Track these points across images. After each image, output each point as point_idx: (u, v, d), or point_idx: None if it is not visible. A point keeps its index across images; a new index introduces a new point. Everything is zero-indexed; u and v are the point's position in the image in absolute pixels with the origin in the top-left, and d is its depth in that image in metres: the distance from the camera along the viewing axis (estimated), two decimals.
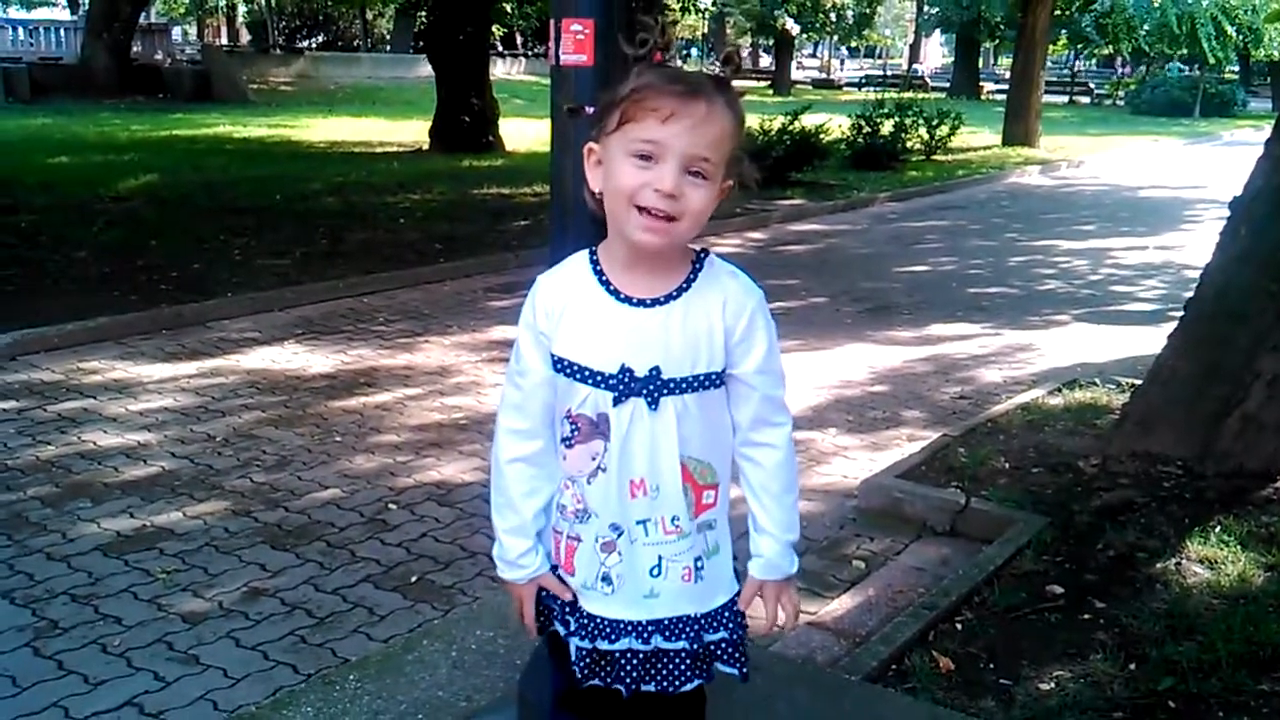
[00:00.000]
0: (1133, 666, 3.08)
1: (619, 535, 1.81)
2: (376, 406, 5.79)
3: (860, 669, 3.10)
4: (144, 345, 6.71)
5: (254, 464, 4.94)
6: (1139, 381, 5.03)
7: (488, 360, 6.61)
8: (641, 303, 1.76)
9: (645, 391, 1.74)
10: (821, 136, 15.11)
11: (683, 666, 1.84)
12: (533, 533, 1.90)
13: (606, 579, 1.84)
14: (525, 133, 18.53)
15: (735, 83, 1.72)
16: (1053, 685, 3.03)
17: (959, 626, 3.38)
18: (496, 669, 2.85)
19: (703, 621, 1.85)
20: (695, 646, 1.84)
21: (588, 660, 1.85)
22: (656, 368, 1.74)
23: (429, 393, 6.05)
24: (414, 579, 3.92)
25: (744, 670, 1.88)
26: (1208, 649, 3.09)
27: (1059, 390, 5.77)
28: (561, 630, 1.90)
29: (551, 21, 2.56)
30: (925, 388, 6.40)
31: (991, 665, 3.16)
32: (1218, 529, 3.90)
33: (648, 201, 1.65)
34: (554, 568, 1.91)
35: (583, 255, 1.82)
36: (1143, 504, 4.14)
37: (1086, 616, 3.39)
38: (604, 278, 1.78)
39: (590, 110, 1.73)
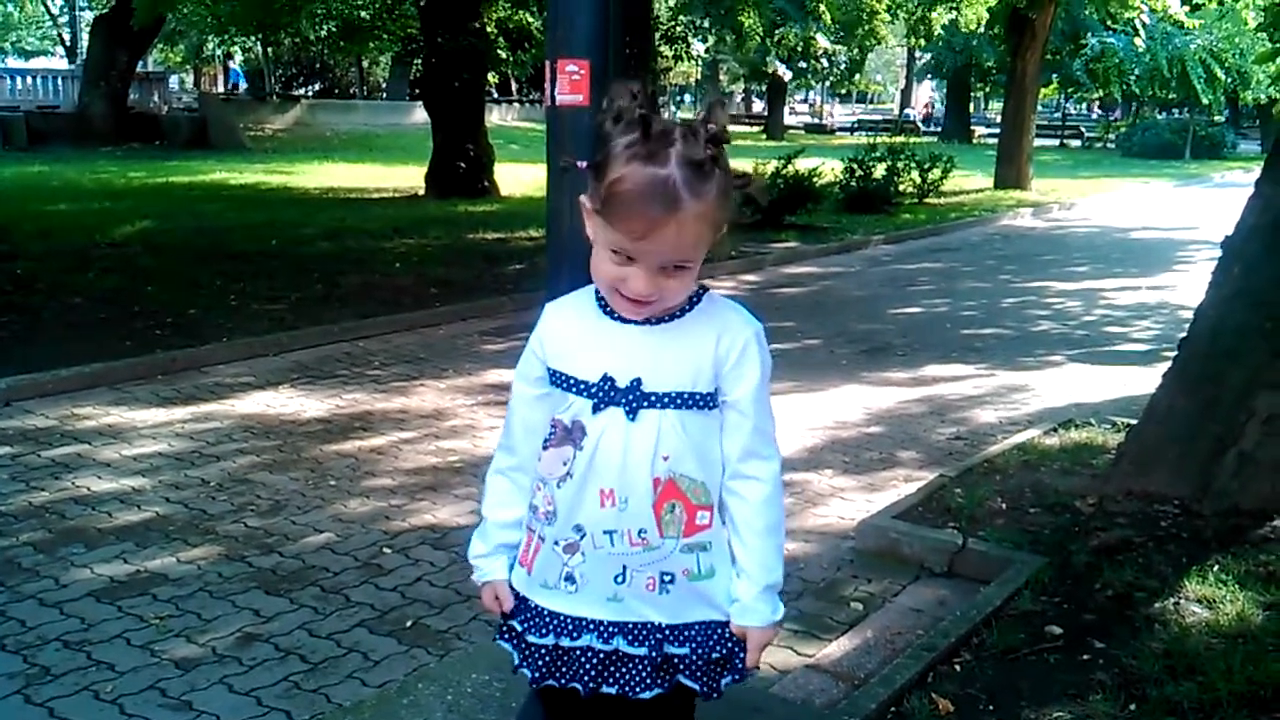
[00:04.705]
0: (1133, 707, 3.06)
1: (581, 537, 1.83)
2: (371, 450, 5.77)
3: (859, 711, 3.07)
4: (138, 390, 6.70)
5: (248, 509, 4.92)
6: (1134, 421, 5.03)
7: (483, 404, 6.61)
8: (633, 321, 1.81)
9: (624, 401, 1.78)
10: (815, 180, 15.22)
11: (642, 673, 1.85)
12: (494, 541, 1.99)
13: (570, 578, 1.86)
14: (520, 178, 18.64)
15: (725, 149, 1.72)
16: None
17: (958, 668, 3.36)
18: (492, 713, 2.83)
19: (667, 632, 1.85)
20: (655, 655, 1.84)
21: (546, 658, 1.87)
22: (638, 379, 1.78)
23: (424, 436, 6.03)
24: (409, 623, 3.89)
25: (706, 690, 1.88)
26: (1208, 689, 3.08)
27: (1054, 430, 5.77)
28: (518, 627, 1.93)
29: (547, 62, 2.58)
30: (921, 429, 6.40)
31: (991, 707, 3.13)
32: (1216, 568, 3.89)
33: (624, 291, 1.74)
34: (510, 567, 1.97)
35: (591, 287, 1.87)
36: (1140, 543, 4.14)
37: (1086, 657, 3.37)
38: (602, 301, 1.84)
39: (583, 165, 1.76)
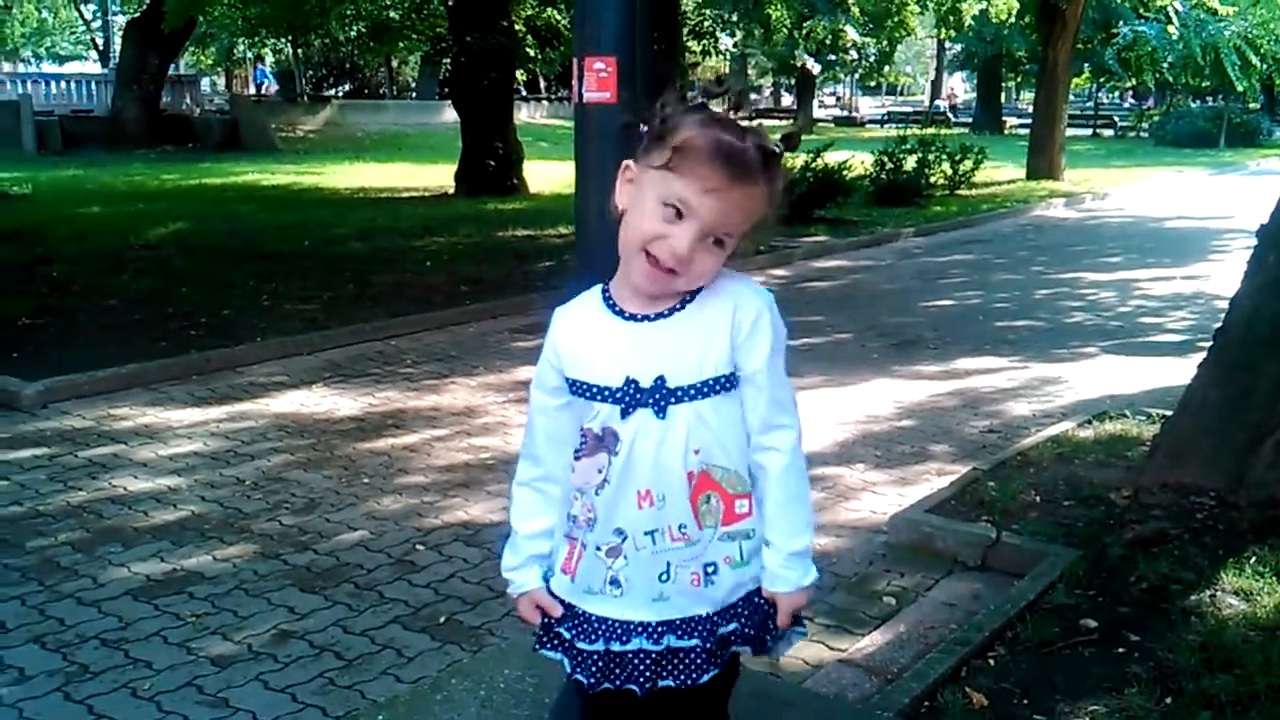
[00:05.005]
0: (1169, 700, 3.04)
1: (623, 540, 1.84)
2: (404, 448, 5.81)
3: (893, 706, 3.06)
4: (174, 391, 6.76)
5: (283, 507, 4.96)
6: (1169, 412, 4.98)
7: (514, 401, 6.62)
8: (645, 317, 1.82)
9: (651, 401, 1.78)
10: (844, 173, 15.15)
11: (698, 661, 1.86)
12: (524, 552, 1.99)
13: (615, 582, 1.86)
14: (549, 175, 18.66)
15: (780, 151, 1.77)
16: None
17: (992, 662, 3.35)
18: (525, 708, 2.84)
19: (715, 618, 1.87)
20: (709, 644, 1.86)
21: (600, 663, 1.87)
22: (661, 377, 1.78)
23: (456, 434, 6.06)
24: (442, 620, 3.92)
25: (758, 646, 1.91)
26: (1245, 681, 3.05)
27: (1089, 422, 5.72)
28: (566, 634, 1.92)
29: (575, 60, 2.59)
30: (953, 422, 6.37)
31: (1025, 701, 3.12)
32: (1252, 560, 3.85)
33: (658, 252, 1.72)
34: (546, 579, 1.96)
35: (596, 287, 1.89)
36: (1175, 536, 4.10)
37: (1121, 650, 3.35)
38: (610, 300, 1.85)
39: (644, 129, 1.75)
